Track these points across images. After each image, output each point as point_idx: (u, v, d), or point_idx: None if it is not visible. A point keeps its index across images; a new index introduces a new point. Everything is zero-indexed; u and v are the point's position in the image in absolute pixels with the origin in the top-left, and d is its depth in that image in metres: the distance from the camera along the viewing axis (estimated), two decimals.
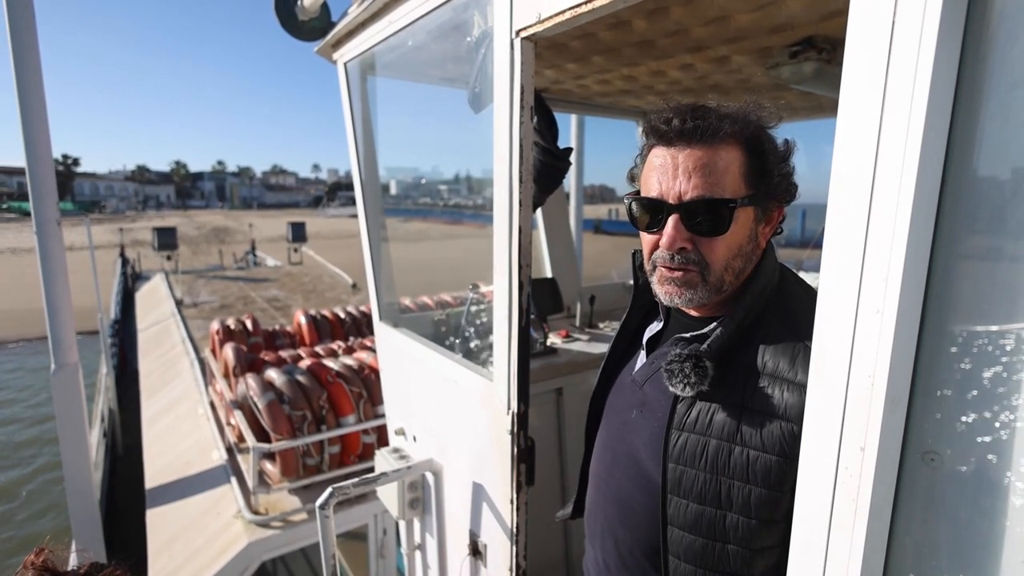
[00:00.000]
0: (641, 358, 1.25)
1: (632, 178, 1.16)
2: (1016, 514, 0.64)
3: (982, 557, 0.67)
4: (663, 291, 1.07)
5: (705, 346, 1.02)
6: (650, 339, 1.24)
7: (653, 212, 1.04)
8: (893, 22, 0.65)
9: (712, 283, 1.03)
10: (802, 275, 1.15)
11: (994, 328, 0.64)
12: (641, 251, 1.23)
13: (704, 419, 1.02)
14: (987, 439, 0.66)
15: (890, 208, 0.67)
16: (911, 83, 0.64)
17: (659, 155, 1.04)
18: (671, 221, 1.01)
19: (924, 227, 0.67)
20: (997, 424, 0.65)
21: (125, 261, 21.31)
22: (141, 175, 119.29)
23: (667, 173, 1.01)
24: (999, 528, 0.65)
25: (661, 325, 1.24)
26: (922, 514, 0.72)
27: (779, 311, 1.05)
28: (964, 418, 0.67)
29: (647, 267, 1.11)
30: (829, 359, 0.76)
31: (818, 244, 0.77)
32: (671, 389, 1.04)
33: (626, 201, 1.11)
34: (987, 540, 0.66)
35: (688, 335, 1.10)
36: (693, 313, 1.15)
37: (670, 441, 1.05)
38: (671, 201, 1.00)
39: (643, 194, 1.06)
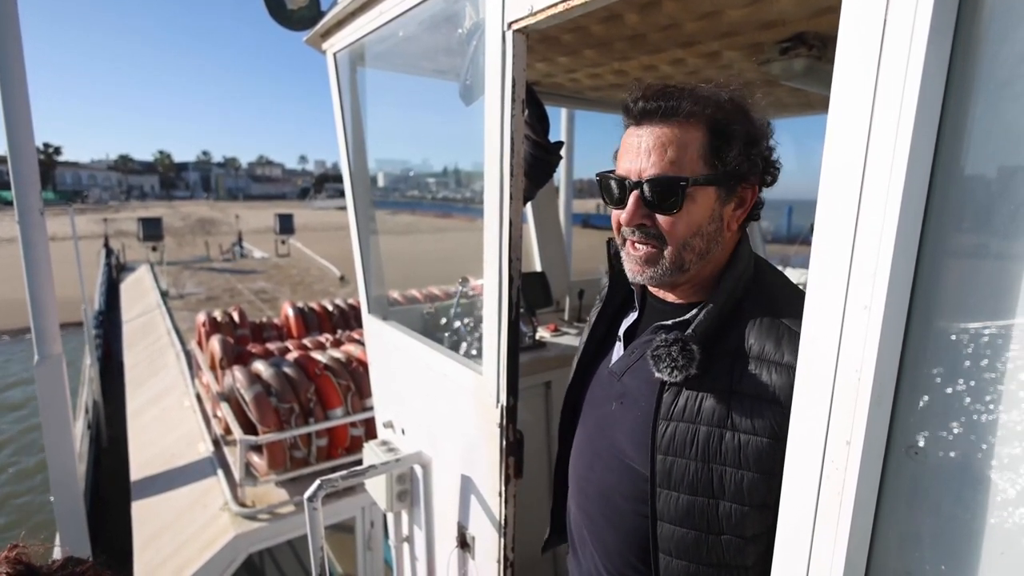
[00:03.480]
0: (618, 350, 1.24)
1: (615, 158, 1.18)
2: (997, 507, 0.65)
3: (963, 548, 0.68)
4: (628, 268, 1.11)
5: (690, 331, 1.02)
6: (626, 330, 1.23)
7: (620, 189, 1.07)
8: (884, 19, 0.65)
9: (671, 260, 1.05)
10: (788, 271, 1.16)
11: (979, 325, 0.65)
12: (615, 239, 1.23)
13: (692, 407, 1.01)
14: (970, 434, 0.67)
15: (879, 205, 0.67)
16: (902, 81, 0.64)
17: (629, 134, 1.08)
18: (631, 198, 1.04)
19: (912, 224, 0.67)
20: (980, 419, 0.66)
21: (109, 252, 21.07)
22: (124, 165, 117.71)
23: (631, 152, 1.05)
24: (980, 520, 0.66)
25: (636, 315, 1.23)
26: (906, 507, 0.73)
27: (758, 297, 1.05)
28: (948, 413, 0.68)
29: (618, 242, 1.14)
30: (817, 353, 0.77)
31: (806, 240, 0.78)
32: (658, 375, 1.03)
33: (596, 178, 1.14)
34: (969, 532, 0.68)
35: (669, 322, 1.10)
36: (670, 299, 1.15)
37: (658, 432, 1.04)
38: (633, 178, 1.04)
39: (615, 173, 1.10)
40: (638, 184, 1.03)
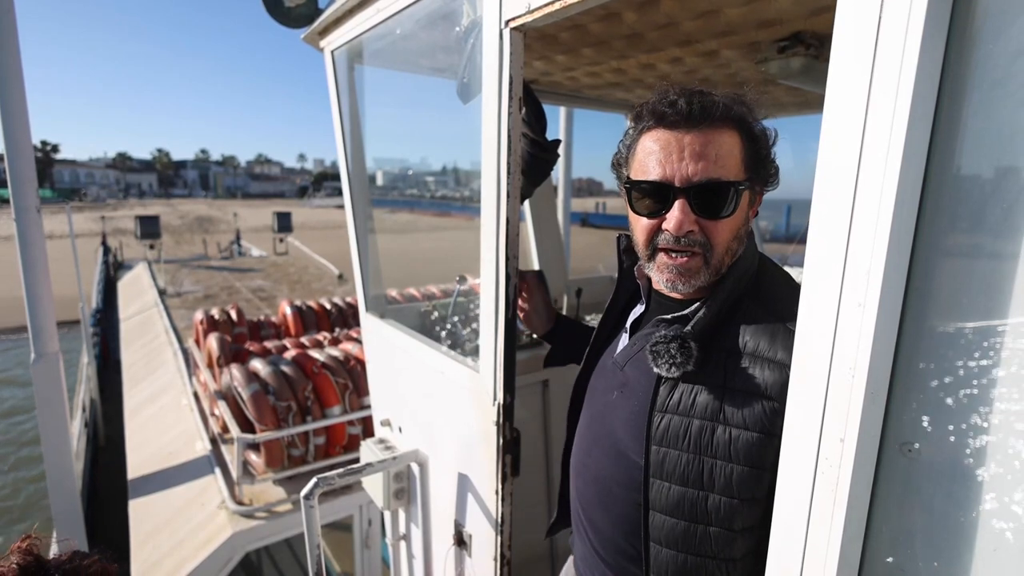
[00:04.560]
0: (623, 340, 1.26)
1: (618, 164, 1.15)
2: (989, 504, 0.65)
3: (956, 546, 0.69)
4: (664, 278, 1.07)
5: (689, 327, 1.04)
6: (633, 322, 1.26)
7: (657, 196, 1.03)
8: (879, 18, 0.65)
9: (714, 265, 1.04)
10: (786, 270, 1.17)
11: (973, 324, 0.65)
12: (625, 235, 1.23)
13: (687, 400, 1.03)
14: (963, 431, 0.67)
15: (873, 204, 0.68)
16: (896, 80, 0.64)
17: (659, 138, 1.03)
18: (678, 204, 1.00)
19: (906, 223, 0.68)
20: (973, 417, 0.66)
21: (107, 250, 21.09)
22: (123, 163, 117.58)
23: (671, 156, 1.00)
24: (972, 518, 0.67)
25: (643, 308, 1.25)
26: (899, 504, 0.73)
27: (758, 295, 1.07)
28: (941, 411, 0.69)
29: (644, 252, 1.10)
30: (811, 350, 0.77)
31: (803, 239, 0.78)
32: (656, 370, 1.04)
33: (624, 187, 1.10)
34: (961, 529, 0.68)
35: (669, 316, 1.12)
36: (675, 296, 1.16)
37: (653, 423, 1.06)
38: (677, 184, 1.00)
39: (639, 178, 1.05)
40: (686, 189, 0.99)
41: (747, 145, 1.03)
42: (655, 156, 1.02)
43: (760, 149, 1.05)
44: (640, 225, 1.07)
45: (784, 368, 0.92)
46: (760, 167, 1.06)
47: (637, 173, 1.06)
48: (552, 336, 1.73)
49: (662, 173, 1.01)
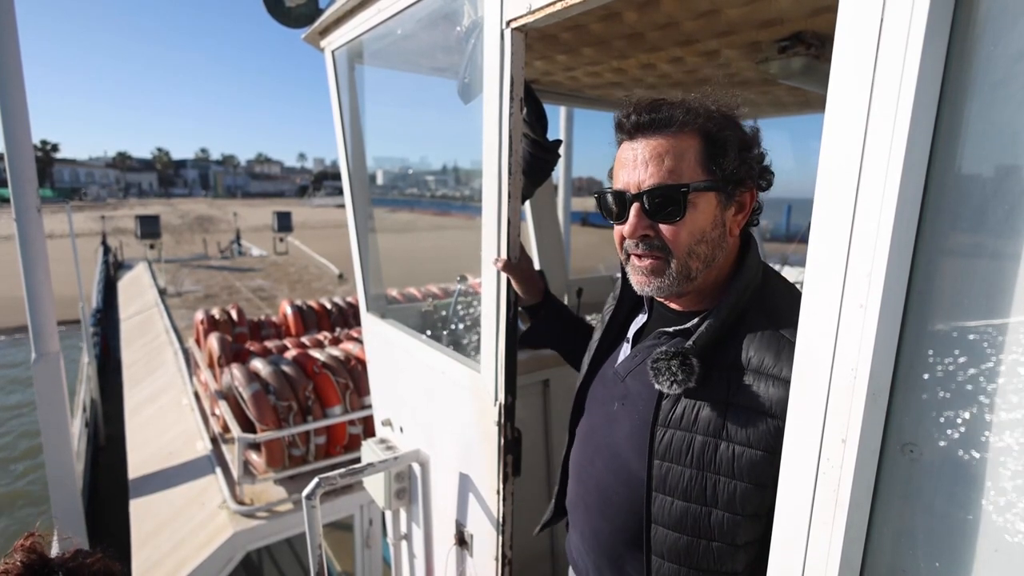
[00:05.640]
0: (625, 350, 1.26)
1: (610, 176, 1.20)
2: (990, 505, 0.65)
3: (957, 547, 0.69)
4: (635, 280, 1.11)
5: (691, 343, 1.03)
6: (635, 332, 1.26)
7: (619, 204, 1.09)
8: (881, 19, 0.65)
9: (678, 270, 1.05)
10: (787, 269, 1.16)
11: (974, 324, 0.65)
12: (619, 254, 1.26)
13: (689, 415, 1.03)
14: (965, 432, 0.67)
15: (875, 204, 0.68)
16: (898, 80, 0.64)
17: (624, 149, 1.09)
18: (632, 210, 1.05)
19: (908, 223, 0.68)
20: (974, 417, 0.66)
21: (107, 249, 21.08)
22: (122, 162, 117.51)
23: (628, 165, 1.07)
24: (974, 519, 0.67)
25: (646, 318, 1.25)
26: (901, 505, 0.73)
27: (762, 308, 1.06)
28: (943, 411, 0.69)
29: (622, 258, 1.15)
30: (813, 352, 0.77)
31: (804, 239, 0.78)
32: (657, 387, 1.04)
33: (594, 196, 1.17)
34: (962, 530, 0.68)
35: (671, 329, 1.12)
36: (674, 306, 1.16)
37: (655, 438, 1.06)
38: (632, 191, 1.05)
39: (613, 188, 1.11)
40: (638, 196, 1.04)
41: (706, 146, 1.03)
42: (620, 167, 1.09)
43: (725, 148, 1.04)
44: (615, 232, 1.14)
45: (789, 386, 0.92)
46: (720, 168, 1.03)
47: (613, 183, 1.13)
48: (537, 311, 1.64)
49: (624, 181, 1.07)
